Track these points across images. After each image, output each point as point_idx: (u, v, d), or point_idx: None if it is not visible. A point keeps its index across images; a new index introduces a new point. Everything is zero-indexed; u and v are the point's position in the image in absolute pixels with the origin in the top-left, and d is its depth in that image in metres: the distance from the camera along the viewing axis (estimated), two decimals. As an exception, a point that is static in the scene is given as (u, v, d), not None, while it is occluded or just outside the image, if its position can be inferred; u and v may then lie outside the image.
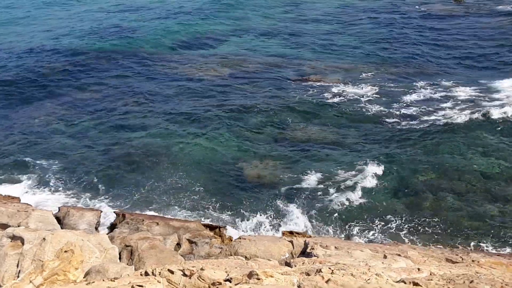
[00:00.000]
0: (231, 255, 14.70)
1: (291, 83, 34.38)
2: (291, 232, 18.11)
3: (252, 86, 34.14)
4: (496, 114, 27.45)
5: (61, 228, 17.32)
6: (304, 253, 14.84)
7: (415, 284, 8.61)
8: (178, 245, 16.89)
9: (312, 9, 56.44)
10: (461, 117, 27.60)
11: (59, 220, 18.26)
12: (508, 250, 18.18)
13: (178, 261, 14.28)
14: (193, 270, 9.70)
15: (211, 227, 17.96)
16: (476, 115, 27.55)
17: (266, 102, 31.05)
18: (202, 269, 9.87)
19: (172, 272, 9.81)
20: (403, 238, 19.09)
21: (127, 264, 14.54)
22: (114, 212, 19.82)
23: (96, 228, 18.62)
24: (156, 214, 20.14)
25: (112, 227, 18.74)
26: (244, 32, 48.17)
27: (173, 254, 15.59)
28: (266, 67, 37.91)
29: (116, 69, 38.01)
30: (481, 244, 18.67)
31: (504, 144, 24.79)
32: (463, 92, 31.16)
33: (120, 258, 14.90)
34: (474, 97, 30.41)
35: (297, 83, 34.44)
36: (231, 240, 16.89)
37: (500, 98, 29.81)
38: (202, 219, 19.83)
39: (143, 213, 20.04)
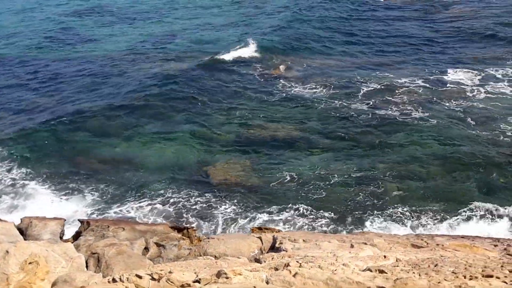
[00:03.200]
0: (200, 255, 14.61)
1: (251, 78, 34.41)
2: (260, 228, 18.13)
3: (213, 82, 34.00)
4: (443, 102, 28.29)
5: (24, 239, 16.86)
6: (273, 248, 14.89)
7: (381, 271, 8.75)
8: (146, 249, 16.67)
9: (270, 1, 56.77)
10: (411, 108, 28.22)
11: (21, 231, 17.76)
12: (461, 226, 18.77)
13: (147, 265, 14.10)
14: (161, 274, 9.61)
15: (179, 229, 17.80)
16: (425, 105, 28.32)
17: (227, 99, 31.01)
18: (170, 272, 9.79)
19: (140, 277, 9.69)
20: (369, 226, 19.41)
21: (95, 272, 14.28)
22: (78, 220, 19.42)
23: (61, 237, 18.21)
24: (121, 219, 19.86)
25: (77, 235, 18.36)
26: (199, 28, 47.95)
27: (141, 259, 15.39)
28: (225, 63, 37.82)
29: (71, 74, 37.29)
30: (446, 221, 19.17)
31: (457, 130, 25.50)
32: (413, 83, 31.75)
33: (87, 266, 14.62)
34: (422, 88, 31.05)
35: (256, 77, 34.48)
36: (200, 241, 16.79)
37: (448, 89, 30.56)
38: (170, 222, 19.68)
39: (108, 218, 19.74)
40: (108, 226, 17.55)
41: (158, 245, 16.75)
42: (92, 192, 22.65)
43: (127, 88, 33.96)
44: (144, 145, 26.14)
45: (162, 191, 22.45)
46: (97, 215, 20.80)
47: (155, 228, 17.43)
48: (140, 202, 21.80)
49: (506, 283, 8.45)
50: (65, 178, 23.70)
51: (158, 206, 21.50)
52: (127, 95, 32.68)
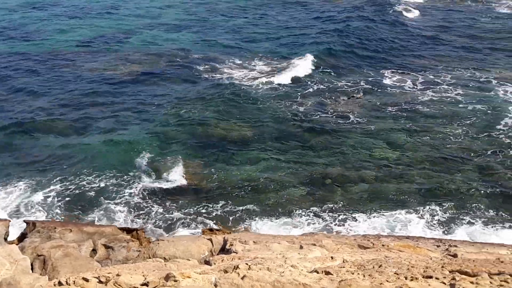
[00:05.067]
0: (149, 257, 14.50)
1: (205, 78, 34.38)
2: (211, 230, 18.16)
3: (165, 82, 33.81)
4: (384, 107, 29.07)
5: (-34, 242, 16.25)
6: (224, 250, 14.95)
7: (327, 273, 8.98)
8: (94, 251, 16.38)
9: (222, 2, 56.77)
10: (354, 111, 28.93)
11: (-37, 234, 17.10)
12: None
13: (94, 268, 13.88)
14: (109, 277, 9.52)
15: (128, 230, 17.58)
16: (368, 109, 29.08)
17: (180, 98, 30.87)
18: (118, 274, 9.71)
19: (87, 280, 9.56)
20: (318, 228, 19.75)
21: (40, 275, 13.92)
22: (24, 221, 18.86)
23: (6, 239, 17.64)
24: (69, 220, 19.43)
25: (22, 236, 17.83)
26: (152, 26, 47.51)
27: (89, 261, 15.13)
28: (175, 62, 37.71)
29: (18, 70, 36.10)
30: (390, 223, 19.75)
31: (399, 133, 26.29)
32: (356, 86, 32.46)
33: (32, 269, 14.25)
34: (364, 91, 31.82)
35: (210, 77, 34.47)
36: (150, 243, 16.65)
37: (390, 93, 31.43)
38: (119, 223, 19.42)
39: (55, 220, 19.27)
40: (55, 228, 17.14)
41: (106, 247, 16.49)
42: (33, 190, 22.02)
43: (75, 85, 33.25)
44: (92, 144, 25.63)
45: (110, 191, 22.09)
46: (39, 216, 20.24)
47: (104, 230, 17.15)
48: (88, 203, 21.37)
49: (445, 284, 8.83)
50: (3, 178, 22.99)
51: (107, 206, 21.14)
52: (75, 92, 32.01)
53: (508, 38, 42.21)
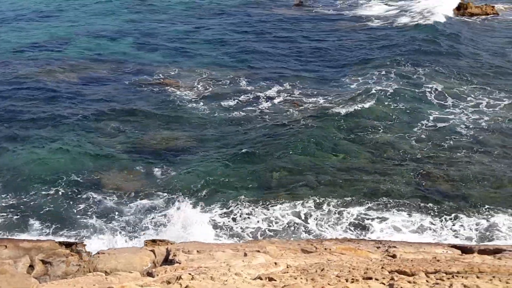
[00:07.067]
0: (90, 271, 14.12)
1: (144, 87, 33.95)
2: (153, 241, 17.82)
3: (103, 90, 33.11)
4: (334, 111, 29.69)
5: None
6: (167, 260, 14.76)
7: (270, 279, 9.04)
8: (31, 267, 15.77)
9: (163, 9, 56.33)
10: (302, 117, 29.40)
11: None
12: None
13: (32, 285, 13.36)
14: (46, 294, 9.17)
15: (67, 245, 17.01)
16: (309, 112, 29.64)
17: (121, 107, 30.32)
18: (56, 291, 9.37)
19: (22, 299, 9.18)
20: (263, 233, 19.85)
21: (-28, 295, 13.27)
22: (-46, 239, 17.91)
23: None
24: (3, 236, 18.62)
25: (-48, 256, 16.89)
26: (91, 33, 46.51)
27: (26, 278, 14.56)
28: (115, 70, 37.05)
29: None
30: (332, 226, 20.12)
31: (340, 137, 26.92)
32: (302, 94, 32.91)
33: (-37, 290, 13.55)
34: (305, 96, 32.36)
35: (149, 86, 34.07)
36: (90, 256, 16.20)
37: (332, 100, 32.15)
38: (57, 237, 18.77)
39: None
40: (-12, 245, 16.38)
41: (44, 262, 15.92)
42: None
43: (7, 93, 32.07)
44: (26, 154, 24.70)
45: (47, 203, 21.32)
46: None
47: (41, 245, 16.53)
48: (23, 216, 20.54)
49: (384, 284, 9.09)
50: None
51: (44, 219, 20.40)
52: (7, 100, 30.86)
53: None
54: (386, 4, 58.40)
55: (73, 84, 34.03)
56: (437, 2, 54.64)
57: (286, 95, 32.61)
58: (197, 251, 14.65)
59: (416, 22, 48.59)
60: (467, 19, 51.51)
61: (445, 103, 30.85)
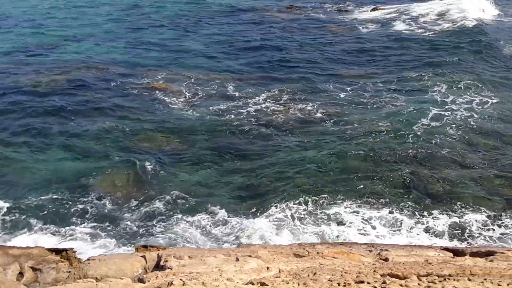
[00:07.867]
0: (80, 278, 13.97)
1: (132, 90, 33.84)
2: (144, 247, 17.70)
3: (92, 95, 32.95)
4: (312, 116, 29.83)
5: None
6: (158, 266, 14.65)
7: (262, 284, 8.98)
8: (21, 274, 15.61)
9: (152, 14, 56.28)
10: (291, 120, 29.46)
11: None
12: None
13: (21, 292, 13.24)
14: (35, 301, 9.06)
15: (57, 251, 16.84)
16: (297, 119, 29.72)
17: (109, 112, 30.21)
18: (45, 298, 9.26)
19: (11, 307, 9.05)
20: (254, 238, 19.76)
21: (-40, 304, 13.10)
22: None
23: None
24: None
25: None
26: (80, 38, 46.35)
27: (16, 285, 14.39)
28: (104, 74, 36.90)
29: None
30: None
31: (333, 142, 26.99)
32: (290, 99, 32.88)
33: (-49, 298, 13.37)
34: (295, 103, 32.33)
35: (138, 90, 33.95)
36: (80, 263, 16.05)
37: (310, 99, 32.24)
38: (47, 243, 18.57)
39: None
40: (-23, 252, 16.18)
41: (34, 269, 15.76)
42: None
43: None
44: (13, 160, 24.50)
45: (36, 209, 21.10)
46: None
47: (31, 252, 16.36)
48: (12, 222, 20.34)
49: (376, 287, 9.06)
50: None
51: (34, 226, 20.20)
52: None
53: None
54: (376, 10, 58.83)
55: (62, 88, 33.81)
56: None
57: (273, 100, 32.60)
58: (189, 257, 14.56)
59: (410, 27, 49.27)
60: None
61: (441, 107, 31.06)
